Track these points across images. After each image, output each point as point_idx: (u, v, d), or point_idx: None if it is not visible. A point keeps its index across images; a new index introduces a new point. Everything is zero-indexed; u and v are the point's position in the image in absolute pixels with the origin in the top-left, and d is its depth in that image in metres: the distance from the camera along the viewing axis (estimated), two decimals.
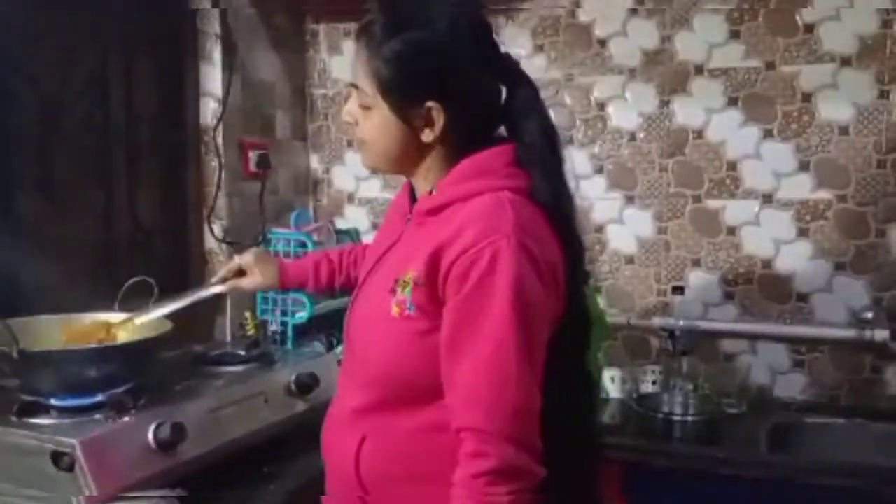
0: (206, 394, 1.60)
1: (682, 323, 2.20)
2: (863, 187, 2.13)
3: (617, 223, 2.36)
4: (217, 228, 2.23)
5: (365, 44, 1.09)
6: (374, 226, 2.57)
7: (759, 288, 2.24)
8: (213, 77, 2.21)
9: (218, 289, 1.56)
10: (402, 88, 1.08)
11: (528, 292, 1.01)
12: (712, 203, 2.26)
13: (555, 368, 1.06)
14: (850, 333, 2.13)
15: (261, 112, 2.40)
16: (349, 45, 2.54)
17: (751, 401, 2.16)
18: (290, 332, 2.17)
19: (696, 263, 2.29)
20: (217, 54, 2.20)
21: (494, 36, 1.13)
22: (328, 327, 2.19)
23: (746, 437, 1.97)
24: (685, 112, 2.26)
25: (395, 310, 1.07)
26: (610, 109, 2.34)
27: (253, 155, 2.31)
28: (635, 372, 2.28)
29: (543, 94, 1.13)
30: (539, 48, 2.38)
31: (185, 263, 2.22)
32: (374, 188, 2.60)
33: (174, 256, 2.19)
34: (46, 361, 1.40)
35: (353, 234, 2.48)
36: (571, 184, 1.12)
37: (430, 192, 1.13)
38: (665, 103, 2.28)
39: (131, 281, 1.62)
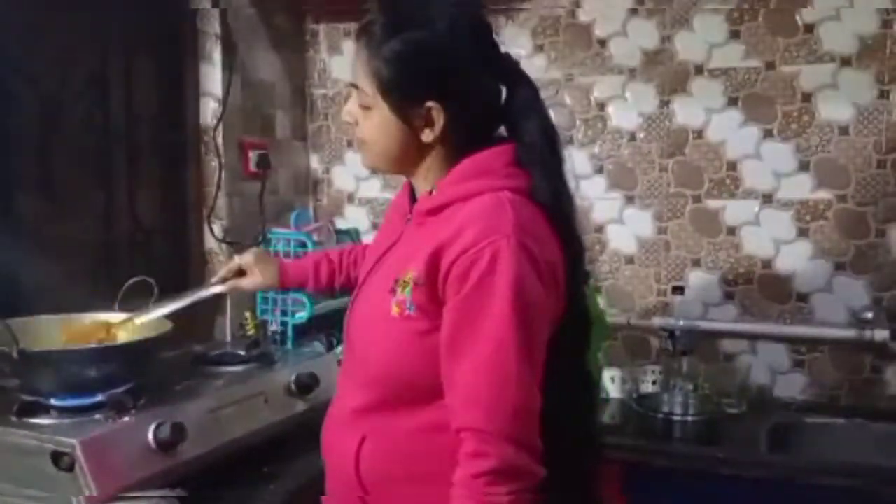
0: (206, 394, 1.60)
1: (682, 323, 2.20)
2: (863, 187, 2.13)
3: (617, 223, 2.36)
4: (217, 228, 2.23)
5: (365, 44, 1.09)
6: (374, 226, 2.57)
7: (759, 288, 2.24)
8: (213, 77, 2.21)
9: (218, 289, 1.56)
10: (402, 88, 1.08)
11: (528, 292, 1.01)
12: (712, 203, 2.26)
13: (555, 368, 1.06)
14: (850, 333, 2.13)
15: (261, 112, 2.40)
16: (349, 45, 2.54)
17: (751, 401, 2.16)
18: (290, 332, 2.17)
19: (696, 263, 2.29)
20: (217, 54, 2.20)
21: (494, 36, 1.13)
22: (328, 327, 2.19)
23: (746, 437, 1.97)
24: (685, 112, 2.26)
25: (395, 310, 1.07)
26: (610, 109, 2.34)
27: (253, 155, 2.31)
28: (635, 372, 2.28)
29: (543, 94, 1.13)
30: (539, 48, 2.38)
31: (185, 263, 2.22)
32: (374, 188, 2.60)
33: (174, 256, 2.19)
34: (46, 361, 1.40)
35: (353, 234, 2.48)
36: (571, 184, 1.12)
37: (431, 192, 1.13)
38: (665, 103, 2.28)
39: (131, 281, 1.62)
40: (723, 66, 2.22)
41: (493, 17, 1.16)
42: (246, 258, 1.56)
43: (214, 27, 2.19)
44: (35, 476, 1.30)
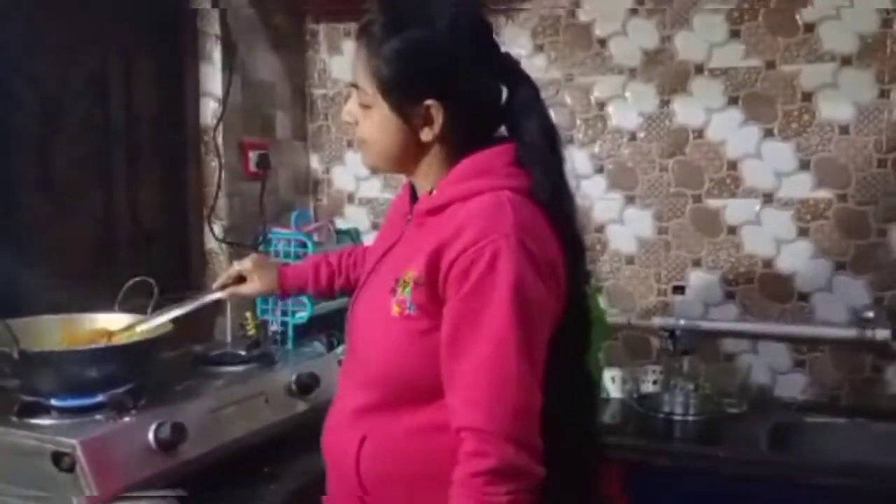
0: (207, 394, 1.60)
1: (682, 323, 2.20)
2: (863, 187, 2.13)
3: (617, 223, 2.35)
4: (217, 229, 2.23)
5: (365, 43, 1.09)
6: (375, 226, 2.57)
7: (760, 287, 2.24)
8: (213, 77, 2.21)
9: (217, 295, 1.57)
10: (401, 87, 1.08)
11: (529, 291, 1.01)
12: (713, 203, 2.26)
13: (555, 368, 1.06)
14: (850, 333, 2.12)
15: (261, 112, 2.40)
16: (349, 45, 2.54)
17: (751, 400, 2.16)
18: (290, 332, 2.17)
19: (697, 263, 2.29)
20: (217, 54, 2.20)
21: (494, 35, 1.13)
22: (329, 327, 2.19)
23: (747, 437, 1.96)
24: (685, 112, 2.26)
25: (395, 309, 1.08)
26: (610, 109, 2.34)
27: (253, 155, 2.31)
28: (636, 372, 2.28)
29: (543, 94, 1.13)
30: (539, 48, 2.37)
31: (186, 264, 2.22)
32: (374, 188, 2.60)
33: (174, 257, 2.19)
34: (47, 362, 1.40)
35: (353, 234, 2.48)
36: (572, 183, 1.12)
37: (431, 192, 1.13)
38: (665, 103, 2.28)
39: (131, 281, 1.62)
40: (723, 65, 2.22)
41: (493, 17, 1.16)
42: (245, 264, 1.56)
43: (214, 27, 2.19)
44: (35, 476, 1.30)
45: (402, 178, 1.23)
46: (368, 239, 2.38)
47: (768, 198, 2.21)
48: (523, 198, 1.06)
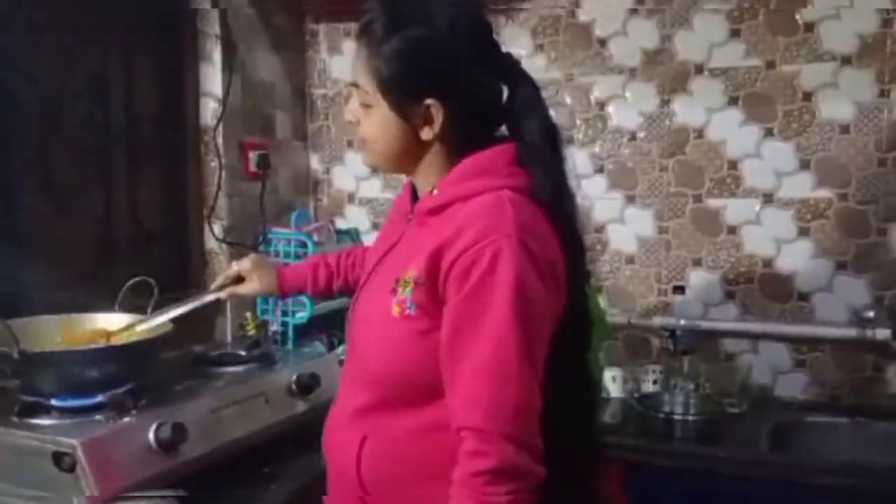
0: (207, 394, 1.60)
1: (682, 322, 2.20)
2: (863, 186, 2.13)
3: (617, 223, 2.35)
4: (217, 229, 2.23)
5: (365, 42, 1.09)
6: (375, 226, 2.57)
7: (760, 287, 2.24)
8: (213, 77, 2.21)
9: (216, 295, 1.57)
10: (401, 86, 1.08)
11: (529, 291, 1.01)
12: (713, 202, 2.26)
13: (555, 368, 1.05)
14: (851, 332, 2.12)
15: (261, 112, 2.40)
16: (349, 45, 2.54)
17: (752, 400, 2.16)
18: (290, 333, 2.17)
19: (697, 263, 2.29)
20: (217, 54, 2.20)
21: (494, 35, 1.13)
22: (329, 327, 2.19)
23: (747, 437, 1.96)
24: (685, 111, 2.26)
25: (395, 309, 1.07)
26: (610, 109, 2.34)
27: (253, 155, 2.31)
28: (636, 371, 2.28)
29: (544, 94, 1.13)
30: (539, 48, 2.37)
31: (186, 264, 2.22)
32: (374, 188, 2.60)
33: (174, 256, 2.19)
34: (47, 362, 1.40)
35: (353, 234, 2.48)
36: (572, 183, 1.12)
37: (432, 192, 1.13)
38: (665, 103, 2.28)
39: (131, 281, 1.62)
40: (723, 65, 2.22)
41: (493, 17, 1.16)
42: (244, 264, 1.56)
43: (214, 27, 2.19)
44: (36, 476, 1.30)
45: (403, 178, 1.23)
46: (368, 239, 2.38)
47: (768, 197, 2.21)
48: (524, 197, 1.06)
